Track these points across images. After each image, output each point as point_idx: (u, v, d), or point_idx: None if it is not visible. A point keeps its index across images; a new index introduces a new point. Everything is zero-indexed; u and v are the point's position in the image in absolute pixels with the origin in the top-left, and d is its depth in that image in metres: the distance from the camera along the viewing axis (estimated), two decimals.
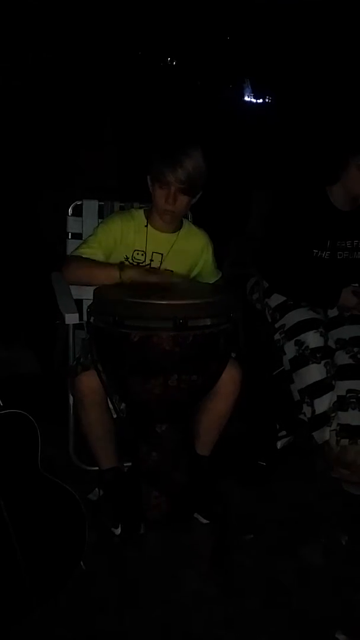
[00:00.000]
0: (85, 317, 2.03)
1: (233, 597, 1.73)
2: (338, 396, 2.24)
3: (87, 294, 2.20)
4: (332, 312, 2.41)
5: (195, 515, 2.03)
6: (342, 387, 2.24)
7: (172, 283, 2.10)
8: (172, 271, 2.10)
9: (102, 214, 2.42)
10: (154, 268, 2.10)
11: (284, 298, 2.37)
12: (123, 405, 1.99)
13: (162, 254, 2.12)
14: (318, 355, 2.23)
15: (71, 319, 1.93)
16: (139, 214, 2.14)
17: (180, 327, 1.67)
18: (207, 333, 1.73)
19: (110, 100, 6.42)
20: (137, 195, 2.34)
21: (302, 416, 2.28)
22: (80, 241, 2.22)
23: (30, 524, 1.56)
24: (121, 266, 2.00)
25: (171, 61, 12.26)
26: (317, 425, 2.24)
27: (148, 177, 2.04)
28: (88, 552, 1.68)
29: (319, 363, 2.23)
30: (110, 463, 1.98)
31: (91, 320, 1.82)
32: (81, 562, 1.68)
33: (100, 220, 2.36)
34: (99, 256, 2.05)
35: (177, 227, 2.16)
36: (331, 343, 2.30)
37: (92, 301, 1.90)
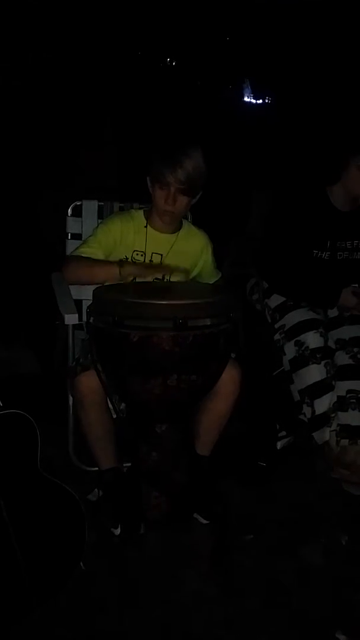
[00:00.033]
0: (84, 318, 2.03)
1: (233, 597, 1.73)
2: (338, 396, 2.24)
3: (86, 295, 2.21)
4: (332, 313, 2.41)
5: (195, 515, 2.03)
6: (342, 387, 2.24)
7: (172, 282, 2.11)
8: (168, 266, 2.10)
9: (101, 215, 2.42)
10: (153, 263, 2.09)
11: (284, 298, 2.37)
12: (123, 406, 1.99)
13: (161, 255, 2.12)
14: (318, 356, 2.23)
15: (71, 319, 1.93)
16: (139, 215, 2.14)
17: (180, 327, 1.67)
18: (207, 333, 1.73)
19: (110, 100, 6.42)
20: (137, 196, 2.34)
21: (302, 416, 2.28)
22: (80, 241, 2.22)
23: (30, 525, 1.56)
24: (120, 263, 2.00)
25: (171, 61, 12.26)
26: (317, 425, 2.24)
27: (148, 177, 2.04)
28: (88, 552, 1.68)
29: (319, 363, 2.23)
30: (110, 463, 1.98)
31: (91, 320, 1.82)
32: (81, 563, 1.68)
33: (99, 221, 2.36)
34: (99, 256, 2.05)
35: (177, 228, 2.16)
36: (331, 343, 2.30)
37: (91, 301, 1.90)
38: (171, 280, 2.12)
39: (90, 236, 2.13)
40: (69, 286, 2.11)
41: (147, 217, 2.12)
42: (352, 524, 2.06)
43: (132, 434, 1.94)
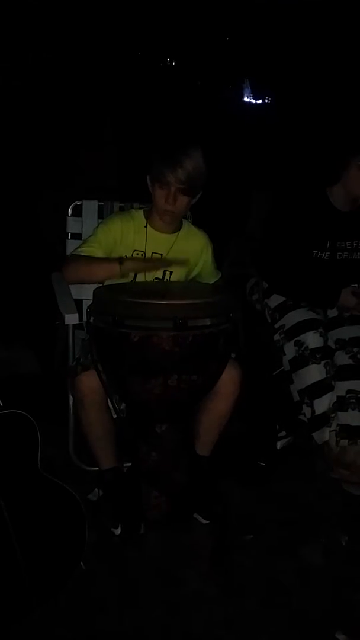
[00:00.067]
0: (85, 317, 2.03)
1: (233, 597, 1.73)
2: (338, 397, 2.24)
3: (87, 294, 2.21)
4: (332, 313, 2.41)
5: (195, 515, 2.03)
6: (342, 387, 2.24)
7: (172, 282, 2.11)
8: (168, 259, 2.10)
9: (101, 215, 2.43)
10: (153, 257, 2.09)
11: (284, 298, 2.37)
12: (123, 405, 1.99)
13: (161, 255, 2.12)
14: (318, 356, 2.23)
15: (71, 319, 1.93)
16: (139, 215, 2.14)
17: (180, 327, 1.67)
18: (206, 333, 1.73)
19: (110, 100, 6.43)
20: (137, 196, 2.34)
21: (301, 416, 2.28)
22: (80, 241, 2.22)
23: (30, 524, 1.56)
24: (120, 260, 2.00)
25: (171, 61, 12.27)
26: (317, 425, 2.24)
27: (148, 177, 2.04)
28: (88, 552, 1.68)
29: (319, 363, 2.23)
30: (110, 463, 1.98)
31: (91, 320, 1.82)
32: (81, 562, 1.68)
33: (100, 221, 2.36)
34: (99, 256, 2.05)
35: (177, 228, 2.16)
36: (331, 343, 2.31)
37: (92, 301, 1.90)
38: (171, 279, 2.13)
39: (90, 236, 2.13)
40: (69, 286, 2.11)
41: (147, 217, 2.12)
42: (352, 524, 2.06)
43: (132, 433, 1.94)
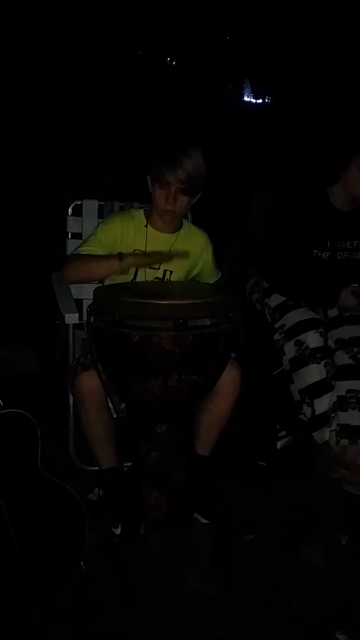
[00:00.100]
0: (85, 317, 2.03)
1: (233, 597, 1.73)
2: (338, 396, 2.24)
3: (87, 294, 2.21)
4: (332, 312, 2.41)
5: (195, 515, 2.03)
6: (342, 387, 2.24)
7: (172, 282, 2.11)
8: (168, 253, 2.10)
9: (102, 214, 2.42)
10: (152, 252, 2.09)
11: (284, 298, 2.37)
12: (123, 405, 1.99)
13: None
14: (318, 356, 2.23)
15: (71, 318, 1.93)
16: (139, 214, 2.14)
17: (180, 327, 1.67)
18: (207, 333, 1.73)
19: (110, 100, 6.43)
20: (137, 195, 2.34)
21: (302, 416, 2.28)
22: (80, 241, 2.22)
23: (31, 524, 1.56)
24: (120, 256, 2.00)
25: (171, 61, 12.27)
26: (317, 425, 2.24)
27: (148, 177, 2.04)
28: (88, 552, 1.68)
29: (319, 363, 2.23)
30: (110, 463, 1.98)
31: (91, 320, 1.82)
32: (81, 562, 1.68)
33: (100, 220, 2.36)
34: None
35: (177, 227, 2.16)
36: (331, 343, 2.30)
37: (92, 301, 1.90)
38: (171, 279, 2.13)
39: (90, 235, 2.13)
40: (69, 285, 2.11)
41: (148, 216, 2.12)
42: (352, 524, 2.06)
43: (132, 433, 1.94)
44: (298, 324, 2.28)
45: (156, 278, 2.11)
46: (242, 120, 9.33)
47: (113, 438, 1.96)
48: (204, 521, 2.03)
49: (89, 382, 1.85)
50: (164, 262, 2.09)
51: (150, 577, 1.77)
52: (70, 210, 2.41)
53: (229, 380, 1.93)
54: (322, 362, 2.23)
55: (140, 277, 2.08)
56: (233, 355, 1.93)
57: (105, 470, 1.98)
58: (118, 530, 1.92)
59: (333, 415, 2.23)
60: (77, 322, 1.97)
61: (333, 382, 2.24)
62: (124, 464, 2.05)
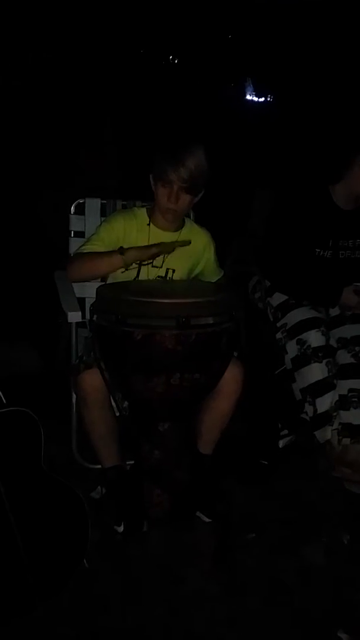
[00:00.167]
0: (87, 316, 2.03)
1: (235, 595, 1.73)
2: (340, 395, 2.24)
3: (89, 292, 2.21)
4: (334, 311, 2.41)
5: (198, 513, 2.03)
6: (344, 386, 2.24)
7: (174, 281, 2.11)
8: (170, 243, 2.09)
9: (104, 213, 2.42)
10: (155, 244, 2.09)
11: (286, 297, 2.37)
12: (125, 404, 1.99)
13: (163, 255, 2.11)
14: (320, 355, 2.23)
15: (74, 317, 1.94)
16: (142, 213, 2.14)
17: (183, 326, 1.67)
18: (209, 332, 1.73)
19: (110, 100, 6.43)
20: (140, 194, 2.34)
21: (304, 415, 2.28)
22: (83, 239, 2.22)
23: (34, 522, 1.56)
24: (121, 250, 2.00)
25: (173, 59, 12.26)
26: (319, 424, 2.24)
27: (150, 175, 2.04)
28: (91, 550, 1.68)
29: (321, 362, 2.23)
30: (112, 461, 1.98)
31: (94, 318, 1.82)
32: (84, 560, 1.68)
33: (102, 219, 2.35)
34: None
35: (180, 226, 2.15)
36: (333, 342, 2.31)
37: (94, 299, 1.90)
38: (174, 277, 2.12)
39: (93, 234, 2.13)
40: (72, 284, 2.11)
41: (150, 215, 2.12)
42: (353, 523, 2.06)
43: (134, 432, 1.94)
44: (300, 322, 2.28)
45: (159, 277, 2.11)
46: (244, 119, 9.31)
47: (115, 436, 1.96)
48: (206, 520, 2.03)
49: (92, 380, 1.85)
50: (165, 255, 2.08)
51: (152, 575, 1.78)
52: (72, 208, 2.41)
53: (231, 379, 1.93)
54: (324, 361, 2.23)
55: (142, 276, 2.08)
56: (235, 354, 1.93)
57: (107, 468, 1.98)
58: (120, 528, 1.92)
59: (335, 414, 2.23)
60: (80, 320, 1.97)
61: (335, 381, 2.24)
62: (127, 462, 2.04)
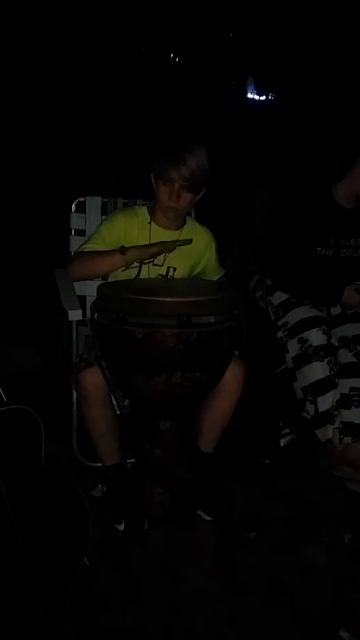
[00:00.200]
0: (88, 314, 2.03)
1: (236, 594, 1.73)
2: (341, 394, 2.24)
3: (90, 291, 2.21)
4: (335, 310, 2.41)
5: (199, 512, 2.03)
6: (345, 385, 2.24)
7: (175, 280, 2.11)
8: (171, 242, 2.09)
9: (105, 211, 2.42)
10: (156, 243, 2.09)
11: (287, 296, 2.37)
12: (126, 402, 1.99)
13: (164, 254, 2.11)
14: (321, 353, 2.23)
15: (75, 315, 1.93)
16: (143, 211, 2.14)
17: (184, 325, 1.67)
18: (210, 330, 1.73)
19: (110, 100, 6.43)
20: (141, 192, 2.34)
21: (305, 414, 2.28)
22: (84, 237, 2.22)
23: (34, 521, 1.56)
24: (122, 250, 2.00)
25: (174, 58, 12.25)
26: (320, 423, 2.24)
27: (152, 174, 2.04)
28: (91, 548, 1.68)
29: (322, 361, 2.23)
30: (113, 459, 1.98)
31: (95, 316, 1.82)
32: (84, 559, 1.68)
33: (103, 217, 2.36)
34: None
35: (181, 224, 2.15)
36: (334, 341, 2.31)
37: (95, 298, 1.90)
38: (175, 276, 2.12)
39: (94, 233, 2.13)
40: (73, 282, 2.11)
41: (151, 213, 2.12)
42: (355, 522, 2.06)
43: (135, 430, 1.93)
44: (301, 321, 2.28)
45: (160, 275, 2.11)
46: (245, 118, 9.30)
47: (116, 435, 1.95)
48: (207, 518, 2.03)
49: (93, 378, 1.85)
50: (167, 254, 2.08)
51: (153, 574, 1.77)
52: (73, 206, 2.41)
53: (232, 377, 1.93)
54: (326, 360, 2.23)
55: (143, 274, 2.08)
56: (236, 352, 1.93)
57: (108, 466, 1.98)
58: (121, 527, 1.92)
59: (336, 413, 2.23)
60: (81, 318, 1.97)
61: (336, 380, 2.24)
62: (127, 461, 2.04)
